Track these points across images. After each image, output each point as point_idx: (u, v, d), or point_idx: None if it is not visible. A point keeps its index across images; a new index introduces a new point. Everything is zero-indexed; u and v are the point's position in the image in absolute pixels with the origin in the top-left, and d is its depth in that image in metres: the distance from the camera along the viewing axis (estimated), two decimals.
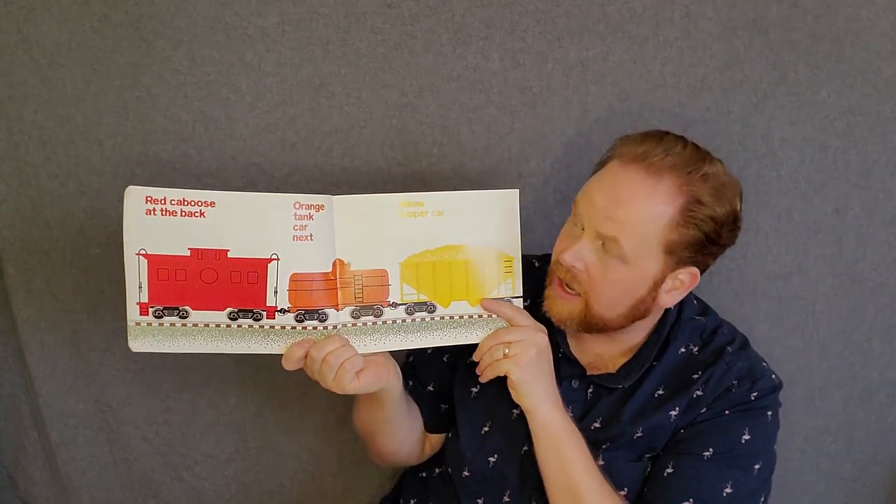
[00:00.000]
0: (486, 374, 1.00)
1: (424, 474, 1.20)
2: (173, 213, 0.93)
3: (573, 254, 0.97)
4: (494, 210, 1.02)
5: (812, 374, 1.31)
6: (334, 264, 0.98)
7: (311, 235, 0.96)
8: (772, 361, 1.29)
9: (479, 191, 1.03)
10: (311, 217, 0.96)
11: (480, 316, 1.02)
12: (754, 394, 1.01)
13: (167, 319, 0.95)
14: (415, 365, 1.19)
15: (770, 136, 1.23)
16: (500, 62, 1.24)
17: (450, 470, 1.13)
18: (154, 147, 1.28)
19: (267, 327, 0.97)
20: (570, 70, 1.24)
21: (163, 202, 0.93)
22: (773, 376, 1.04)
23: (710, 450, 0.98)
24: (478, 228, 1.01)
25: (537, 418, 0.98)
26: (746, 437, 0.99)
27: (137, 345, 0.96)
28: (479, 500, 1.08)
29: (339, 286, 0.98)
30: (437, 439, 1.20)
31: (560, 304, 1.01)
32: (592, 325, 1.01)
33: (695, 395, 1.01)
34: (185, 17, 1.22)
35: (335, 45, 1.24)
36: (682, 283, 1.00)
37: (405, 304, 1.01)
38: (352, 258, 0.98)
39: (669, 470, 0.99)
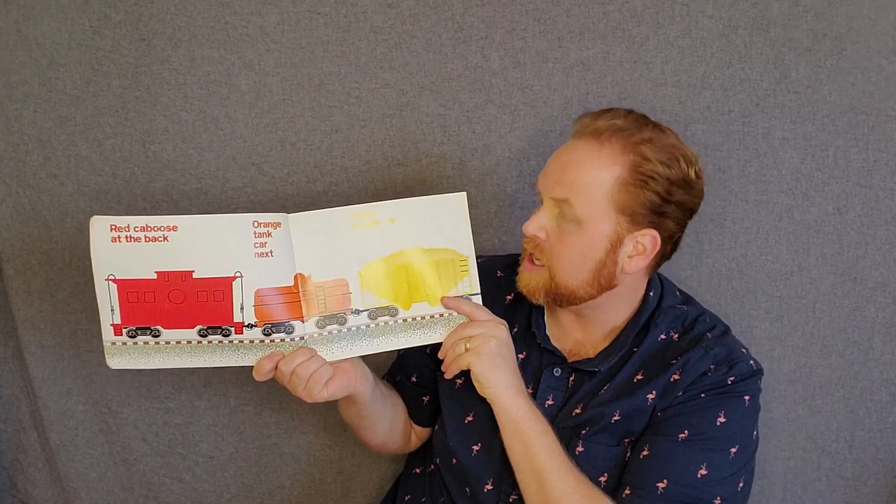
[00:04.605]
0: (450, 370, 1.03)
1: (419, 470, 1.22)
2: (137, 240, 0.97)
3: (533, 223, 1.02)
4: (445, 213, 1.04)
5: (813, 372, 1.31)
6: (296, 278, 1.01)
7: (271, 252, 0.99)
8: (772, 360, 1.30)
9: (427, 196, 1.05)
10: (269, 234, 0.99)
11: (441, 315, 1.05)
12: (731, 378, 1.01)
13: (140, 339, 1.00)
14: (403, 358, 1.23)
15: (771, 135, 1.23)
16: (500, 62, 1.24)
17: (438, 461, 1.16)
18: (154, 147, 1.28)
19: (236, 342, 1.00)
20: (570, 70, 1.24)
21: (126, 229, 0.96)
22: (752, 362, 1.05)
23: (686, 432, 0.99)
24: (430, 232, 1.04)
25: (500, 405, 1.01)
26: (722, 420, 0.99)
27: (115, 362, 1.00)
28: (466, 489, 1.10)
29: (302, 298, 1.01)
30: (422, 430, 1.23)
31: (527, 276, 1.06)
32: (561, 296, 1.04)
33: (671, 379, 1.02)
34: (185, 16, 1.23)
35: (335, 44, 1.24)
36: (643, 248, 1.01)
37: (368, 310, 1.04)
38: (312, 271, 1.01)
39: (645, 452, 1.00)
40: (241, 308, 0.99)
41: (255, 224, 0.98)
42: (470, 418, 1.10)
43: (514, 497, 1.06)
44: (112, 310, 0.98)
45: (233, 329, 1.00)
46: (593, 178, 0.98)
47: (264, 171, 1.29)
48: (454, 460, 1.11)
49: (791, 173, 1.24)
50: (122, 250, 0.97)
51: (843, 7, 1.17)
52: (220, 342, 1.00)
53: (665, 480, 0.97)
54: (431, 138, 1.28)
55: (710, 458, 0.98)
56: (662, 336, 1.07)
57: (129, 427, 1.42)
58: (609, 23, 1.21)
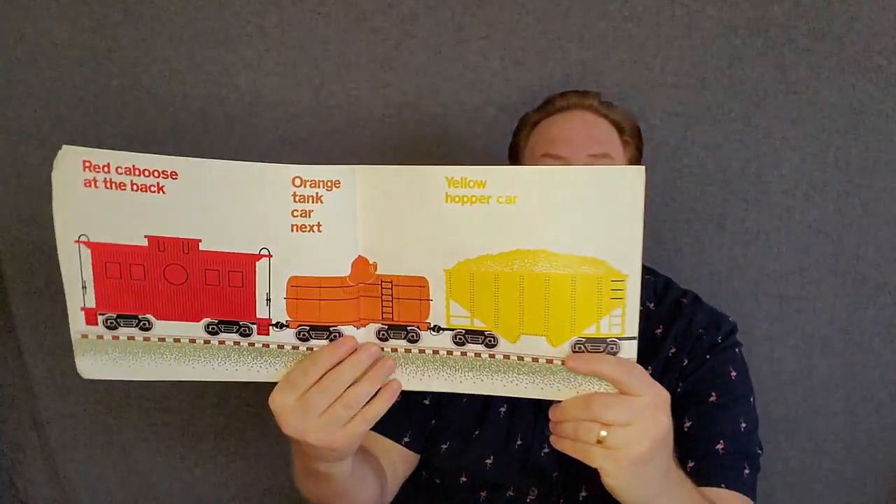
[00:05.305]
0: (564, 447, 0.70)
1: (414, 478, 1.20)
2: (122, 186, 0.68)
3: None
4: (603, 199, 0.65)
5: (813, 373, 1.31)
6: (355, 264, 0.70)
7: (318, 224, 0.68)
8: (772, 361, 1.30)
9: (580, 167, 0.74)
10: (318, 199, 0.68)
11: (565, 362, 0.68)
12: (720, 337, 1.04)
13: (123, 331, 0.73)
14: None
15: (771, 135, 1.23)
16: (500, 62, 1.24)
17: (438, 481, 1.12)
18: (154, 147, 1.28)
19: (259, 345, 0.72)
20: (570, 70, 1.24)
21: (106, 170, 0.68)
22: (729, 317, 1.08)
23: (713, 394, 1.00)
24: (572, 227, 0.66)
25: None
26: (734, 374, 1.02)
27: (87, 364, 0.74)
28: (482, 493, 1.08)
29: (359, 294, 0.70)
30: (413, 460, 1.11)
31: None
32: None
33: (670, 353, 1.04)
34: (185, 16, 1.23)
35: (335, 44, 1.24)
36: None
37: (453, 331, 0.70)
38: (379, 257, 0.69)
39: (688, 424, 1.00)
40: (268, 300, 0.71)
41: (296, 182, 0.67)
42: (477, 433, 1.08)
43: (531, 497, 1.05)
44: (84, 287, 0.71)
45: (254, 327, 0.72)
46: (611, 137, 1.05)
47: None
48: (464, 478, 1.09)
49: (791, 173, 1.24)
50: (98, 199, 0.68)
51: (842, 7, 1.17)
52: (235, 343, 0.72)
53: (721, 441, 0.97)
54: (431, 138, 1.28)
55: (742, 411, 1.00)
56: (640, 308, 1.08)
57: (128, 427, 1.42)
58: (609, 23, 1.21)
